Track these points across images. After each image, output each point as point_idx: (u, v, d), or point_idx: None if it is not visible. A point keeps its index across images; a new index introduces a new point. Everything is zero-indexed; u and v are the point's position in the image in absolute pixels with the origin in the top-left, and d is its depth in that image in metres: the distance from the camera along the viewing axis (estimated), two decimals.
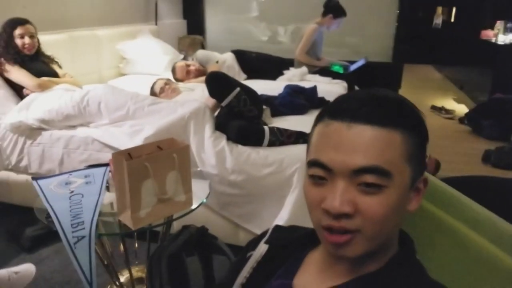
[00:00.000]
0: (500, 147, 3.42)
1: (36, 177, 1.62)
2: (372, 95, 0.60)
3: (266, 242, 0.74)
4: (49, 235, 2.20)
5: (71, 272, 1.94)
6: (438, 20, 8.21)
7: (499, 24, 5.29)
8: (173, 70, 3.32)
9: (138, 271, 1.70)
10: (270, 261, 0.71)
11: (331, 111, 0.61)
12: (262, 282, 0.69)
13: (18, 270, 1.75)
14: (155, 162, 1.26)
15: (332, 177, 0.58)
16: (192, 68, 3.24)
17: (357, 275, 0.62)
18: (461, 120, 4.44)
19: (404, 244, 0.65)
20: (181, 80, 3.21)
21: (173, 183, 1.33)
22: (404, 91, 4.73)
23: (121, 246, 1.71)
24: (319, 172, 0.59)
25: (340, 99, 0.63)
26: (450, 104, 5.18)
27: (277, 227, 0.79)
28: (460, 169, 3.32)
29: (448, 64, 7.37)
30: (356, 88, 3.64)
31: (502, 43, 5.01)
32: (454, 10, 7.58)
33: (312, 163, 0.61)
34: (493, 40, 5.26)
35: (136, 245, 1.80)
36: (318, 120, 0.63)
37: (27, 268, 1.78)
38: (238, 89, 2.01)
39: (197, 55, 3.41)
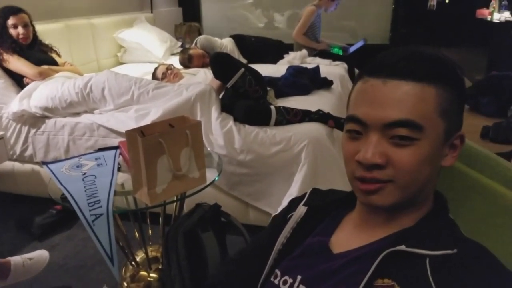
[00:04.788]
0: (497, 123, 3.42)
1: (46, 162, 1.61)
2: (410, 51, 0.61)
3: (304, 204, 0.78)
4: (59, 222, 2.22)
5: (85, 257, 1.95)
6: (433, 1, 8.17)
7: (494, 2, 5.28)
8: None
9: (152, 251, 1.70)
10: (308, 221, 0.75)
11: (369, 68, 0.63)
12: (301, 241, 0.73)
13: (32, 257, 1.75)
14: (168, 138, 1.26)
15: (366, 131, 0.60)
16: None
17: (392, 232, 0.64)
18: None
19: (437, 202, 0.67)
20: None
21: (187, 159, 1.33)
22: None
23: (135, 230, 1.72)
24: (355, 127, 0.62)
25: (379, 57, 0.63)
26: None
27: (315, 190, 0.83)
28: None
29: (443, 45, 7.36)
30: (356, 70, 3.64)
31: (497, 21, 5.00)
32: None
33: (348, 118, 0.63)
34: (489, 18, 5.25)
35: (150, 230, 1.81)
36: (358, 78, 0.65)
37: (40, 254, 1.79)
38: (242, 69, 2.00)
39: (201, 40, 3.36)
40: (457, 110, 0.62)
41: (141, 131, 1.30)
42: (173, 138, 1.28)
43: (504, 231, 0.70)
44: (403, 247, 0.58)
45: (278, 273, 0.71)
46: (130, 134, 1.24)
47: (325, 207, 0.77)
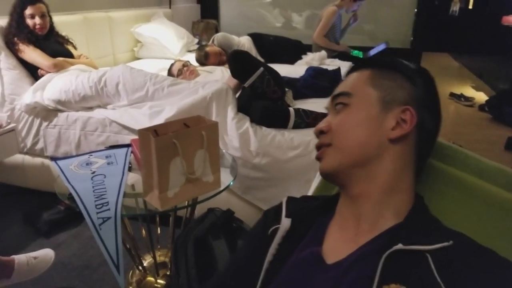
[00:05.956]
0: None
1: (55, 158, 1.56)
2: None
3: (287, 216, 0.73)
4: (66, 219, 2.17)
5: (90, 257, 1.89)
6: (455, 7, 7.99)
7: None
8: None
9: (160, 256, 1.64)
10: (293, 233, 0.71)
11: None
12: (288, 255, 0.69)
13: (37, 255, 1.70)
14: (183, 139, 1.19)
15: None
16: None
17: (379, 232, 0.63)
18: (481, 107, 4.32)
19: (416, 200, 0.68)
20: None
21: (201, 162, 1.26)
22: None
23: (143, 230, 1.65)
24: None
25: None
26: (469, 91, 5.04)
27: (290, 199, 0.80)
28: (483, 156, 3.23)
29: (465, 52, 7.17)
30: None
31: None
32: None
33: None
34: None
35: (159, 230, 1.74)
36: None
37: (46, 253, 1.74)
38: (262, 69, 1.92)
39: (218, 38, 3.29)
40: (396, 87, 0.68)
41: (155, 130, 1.23)
42: (188, 139, 1.21)
43: (482, 221, 0.70)
44: (400, 246, 0.57)
45: None
46: (143, 133, 1.17)
47: (307, 216, 0.74)
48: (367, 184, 0.66)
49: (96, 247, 1.95)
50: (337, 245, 0.66)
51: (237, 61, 1.93)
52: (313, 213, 0.74)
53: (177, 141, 1.17)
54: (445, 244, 0.56)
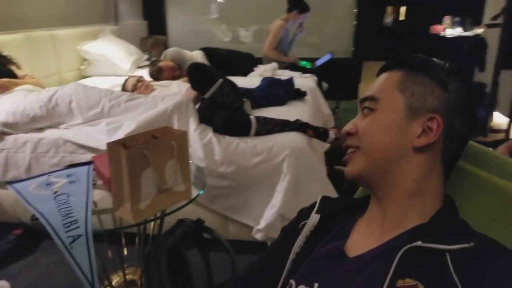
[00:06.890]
0: None
1: (10, 181, 1.47)
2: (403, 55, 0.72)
3: (317, 212, 0.76)
4: (19, 248, 2.03)
5: (50, 286, 1.79)
6: (388, 19, 8.51)
7: (447, 19, 5.56)
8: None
9: (128, 274, 1.58)
10: (321, 229, 0.74)
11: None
12: (313, 248, 0.72)
13: None
14: (153, 150, 1.17)
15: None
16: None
17: (404, 230, 0.64)
18: None
19: (446, 202, 0.68)
20: None
21: (172, 172, 1.25)
22: (365, 85, 4.87)
23: (109, 251, 1.59)
24: None
25: None
26: None
27: (325, 198, 0.82)
28: None
29: None
30: (324, 83, 3.67)
31: (451, 36, 5.27)
32: (403, 9, 7.90)
33: None
34: (442, 34, 5.52)
35: (126, 251, 1.68)
36: None
37: (1, 287, 1.62)
38: (221, 80, 1.95)
39: (171, 52, 3.27)
40: (425, 93, 0.66)
41: (123, 144, 1.20)
42: (158, 150, 1.19)
43: None
44: (419, 243, 0.57)
45: (293, 283, 0.68)
46: (112, 147, 1.14)
47: (337, 214, 0.76)
48: (391, 188, 0.66)
49: (56, 274, 1.86)
50: (361, 241, 0.68)
51: (197, 73, 1.95)
52: (343, 212, 0.76)
53: (147, 152, 1.15)
54: (466, 245, 0.56)
